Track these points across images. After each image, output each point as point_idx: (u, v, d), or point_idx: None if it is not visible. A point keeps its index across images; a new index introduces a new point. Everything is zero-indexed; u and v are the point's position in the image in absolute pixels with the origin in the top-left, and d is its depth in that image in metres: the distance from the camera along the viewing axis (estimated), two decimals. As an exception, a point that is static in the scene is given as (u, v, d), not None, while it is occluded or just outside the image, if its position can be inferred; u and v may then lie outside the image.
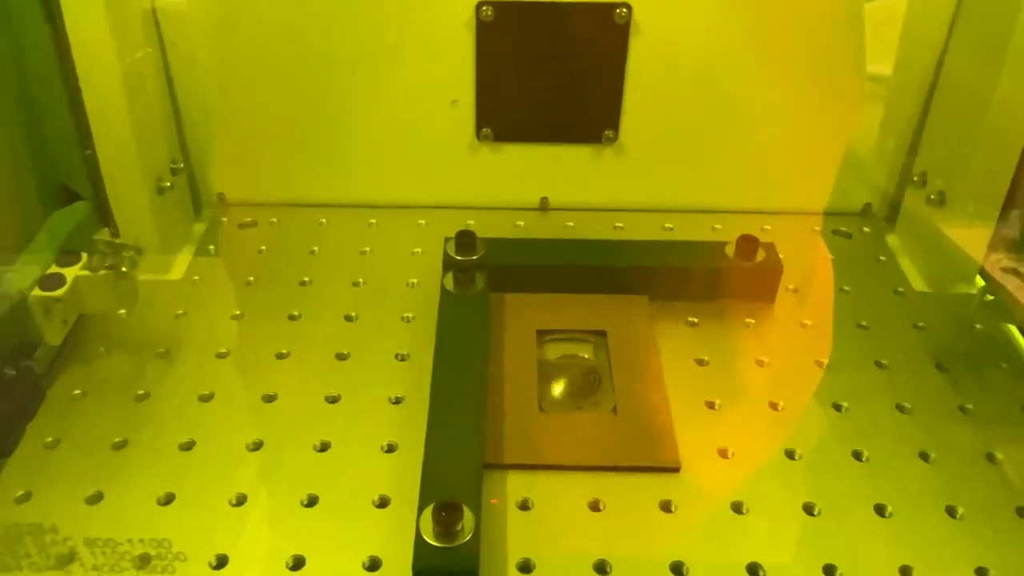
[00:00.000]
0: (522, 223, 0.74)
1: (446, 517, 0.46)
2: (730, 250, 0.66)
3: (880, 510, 0.52)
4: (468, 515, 0.47)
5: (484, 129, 0.74)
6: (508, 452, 0.53)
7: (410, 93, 0.72)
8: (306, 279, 0.69)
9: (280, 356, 0.62)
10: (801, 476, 0.53)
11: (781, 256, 0.66)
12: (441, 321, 0.59)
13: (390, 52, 0.70)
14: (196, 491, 0.52)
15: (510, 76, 0.72)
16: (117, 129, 0.64)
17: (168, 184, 0.70)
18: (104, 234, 0.59)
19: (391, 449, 0.55)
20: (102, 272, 0.56)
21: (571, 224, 0.75)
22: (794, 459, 0.54)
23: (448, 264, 0.64)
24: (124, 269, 0.57)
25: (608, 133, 0.73)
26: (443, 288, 0.62)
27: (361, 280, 0.69)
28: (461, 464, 0.50)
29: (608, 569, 0.48)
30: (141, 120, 0.66)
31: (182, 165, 0.72)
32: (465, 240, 0.65)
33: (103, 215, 0.63)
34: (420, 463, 0.50)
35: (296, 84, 0.71)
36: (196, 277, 0.69)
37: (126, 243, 0.58)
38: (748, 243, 0.65)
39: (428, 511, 0.47)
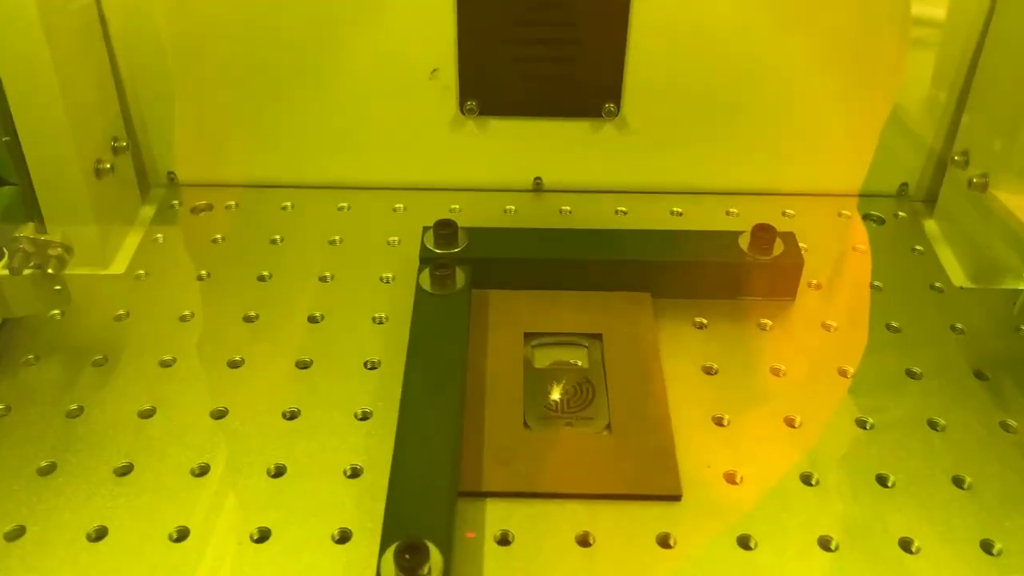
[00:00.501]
0: (513, 207, 0.74)
1: (410, 561, 0.44)
2: (744, 242, 0.64)
3: (907, 545, 0.50)
4: (436, 556, 0.45)
5: (468, 102, 0.71)
6: (487, 478, 0.52)
7: (386, 60, 0.70)
8: (266, 273, 0.67)
9: (234, 364, 0.60)
10: (820, 505, 0.51)
11: (803, 246, 0.65)
12: (415, 325, 0.58)
13: (365, 13, 0.67)
14: (132, 525, 0.49)
15: (496, 42, 0.68)
16: (43, 102, 0.59)
17: (108, 165, 0.66)
18: (28, 229, 0.55)
19: (355, 474, 0.53)
20: (26, 272, 0.52)
21: (567, 208, 0.74)
22: (812, 485, 0.53)
23: (425, 258, 0.62)
24: (50, 271, 0.53)
25: (609, 106, 0.71)
26: (418, 287, 0.60)
27: (329, 274, 0.67)
28: (431, 494, 0.48)
29: (597, 614, 0.47)
30: (74, 91, 0.61)
31: (125, 143, 0.69)
32: (444, 231, 0.63)
33: (31, 204, 0.58)
34: (384, 492, 0.48)
35: (259, 48, 0.68)
36: (141, 271, 0.67)
37: (52, 239, 0.54)
38: (764, 234, 0.63)
39: (390, 553, 0.45)
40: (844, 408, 0.57)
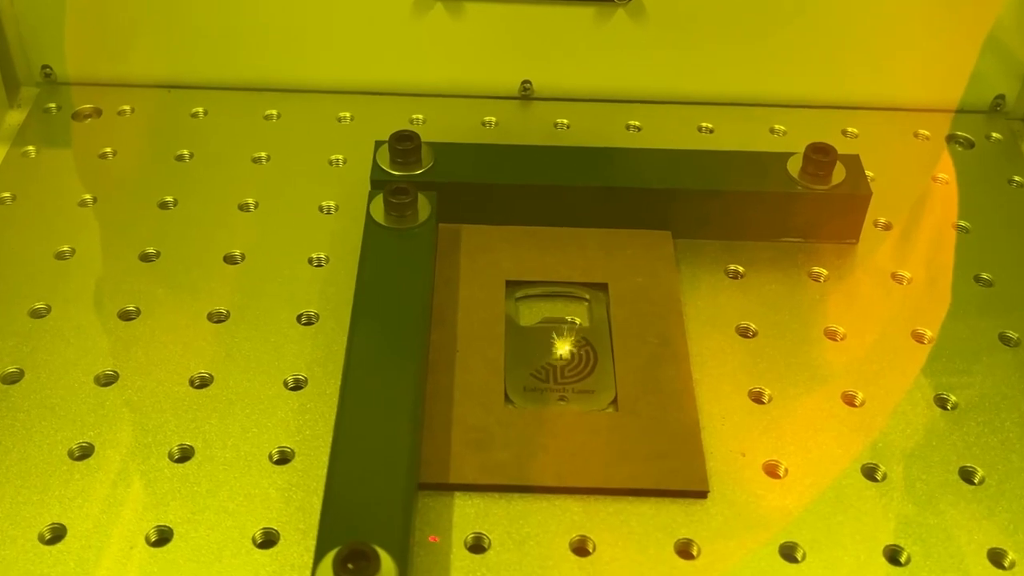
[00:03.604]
0: (493, 119, 0.74)
1: (355, 571, 0.44)
2: (794, 166, 0.64)
3: (998, 558, 0.50)
4: (388, 565, 0.45)
5: (437, -22, 0.72)
6: (457, 467, 0.52)
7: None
8: (170, 199, 0.67)
9: (126, 316, 0.60)
10: (887, 506, 0.52)
11: (869, 174, 0.65)
12: (364, 269, 0.58)
13: None
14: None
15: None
16: None
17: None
18: None
19: (284, 459, 0.53)
20: None
21: (564, 122, 0.74)
22: (877, 480, 0.53)
23: (378, 182, 0.62)
24: None
25: (620, -14, 0.72)
26: (369, 218, 0.60)
27: (252, 202, 0.67)
28: (382, 485, 0.48)
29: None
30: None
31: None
32: (404, 147, 0.63)
33: None
34: (322, 482, 0.49)
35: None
36: (5, 194, 0.66)
37: None
38: (820, 157, 0.63)
39: (328, 560, 0.45)
40: (919, 383, 0.57)
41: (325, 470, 0.49)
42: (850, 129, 0.73)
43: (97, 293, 0.60)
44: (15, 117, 0.72)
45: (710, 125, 0.74)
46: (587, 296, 0.61)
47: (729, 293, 0.62)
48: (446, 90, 0.74)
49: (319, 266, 0.63)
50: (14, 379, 0.56)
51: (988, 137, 0.74)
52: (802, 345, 0.59)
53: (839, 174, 0.64)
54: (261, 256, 0.63)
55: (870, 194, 0.64)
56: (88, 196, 0.66)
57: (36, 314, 0.59)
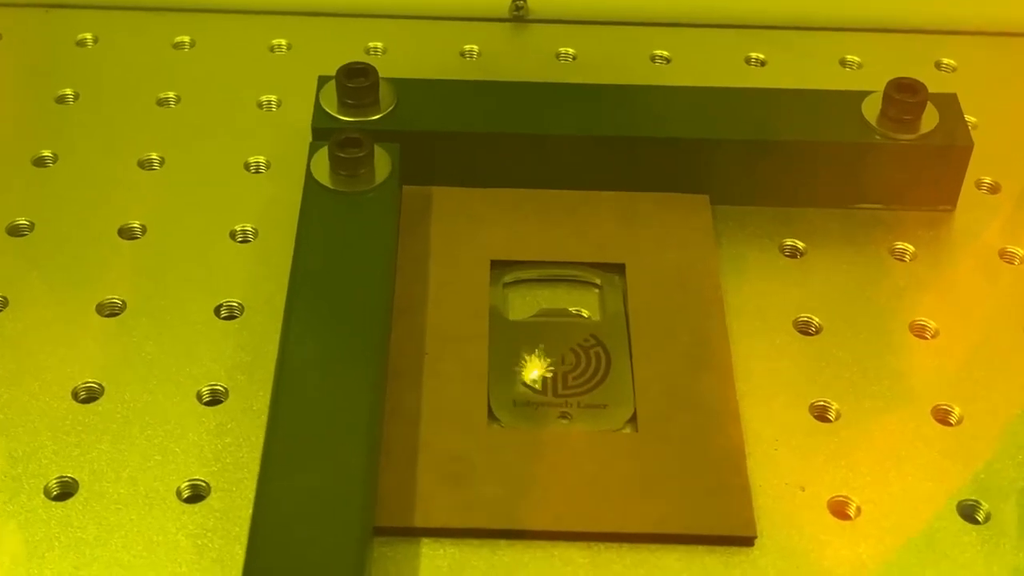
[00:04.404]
0: (475, 47, 0.75)
1: None
2: (871, 109, 0.64)
3: None
4: None
5: None
6: (426, 506, 0.52)
7: None
8: (48, 153, 0.67)
9: None
10: (990, 554, 0.52)
11: (971, 120, 0.66)
12: (304, 245, 0.58)
13: None
14: None
15: None
16: None
17: None
18: None
19: (196, 496, 0.53)
20: None
21: (569, 52, 0.75)
22: (978, 522, 0.53)
23: (323, 130, 0.63)
24: None
25: None
26: (310, 179, 0.60)
27: (156, 156, 0.68)
28: (326, 530, 0.48)
29: None
30: None
31: None
32: (356, 83, 0.63)
33: None
34: (246, 526, 0.48)
35: None
36: None
37: None
38: (906, 97, 0.64)
39: None
40: (1036, 394, 0.58)
41: (250, 511, 0.49)
42: (945, 61, 0.74)
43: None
44: None
45: (760, 55, 0.74)
46: (598, 281, 0.61)
47: (785, 276, 0.62)
48: (413, 9, 0.75)
49: (244, 241, 0.63)
50: None
51: (1126, 72, 0.75)
52: (881, 345, 0.59)
53: (930, 120, 0.64)
54: (168, 228, 0.63)
55: (971, 146, 0.64)
56: (-62, 150, 0.66)
57: None
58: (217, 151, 0.67)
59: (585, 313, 0.60)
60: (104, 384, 0.56)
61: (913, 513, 0.53)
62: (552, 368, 0.58)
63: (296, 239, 0.58)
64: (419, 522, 0.51)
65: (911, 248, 0.64)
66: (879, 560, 0.51)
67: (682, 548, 0.51)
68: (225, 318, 0.60)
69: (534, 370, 0.57)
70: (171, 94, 0.70)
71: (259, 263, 0.62)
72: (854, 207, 0.65)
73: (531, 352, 0.58)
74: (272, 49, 0.73)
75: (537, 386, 0.57)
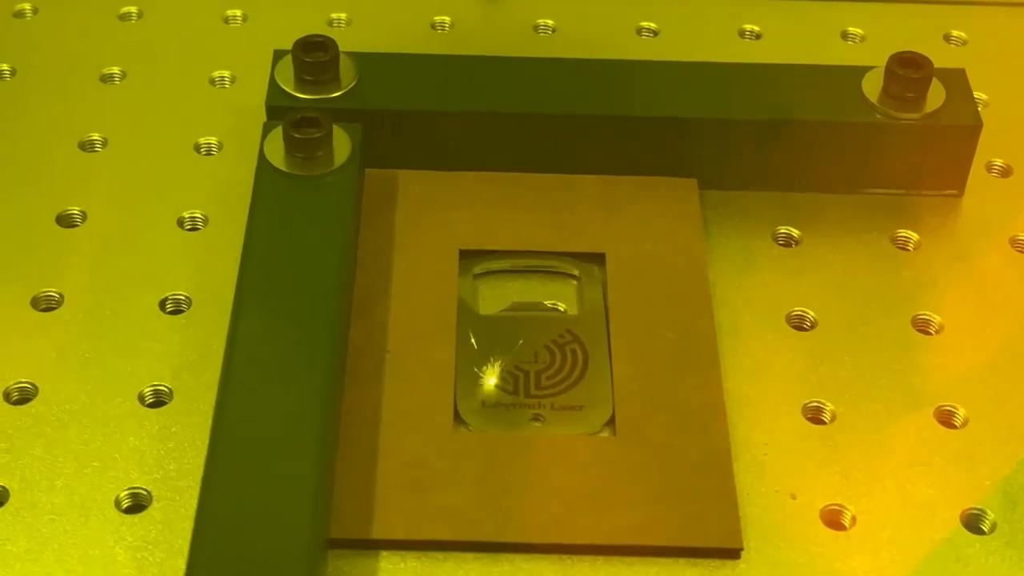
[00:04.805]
0: (447, 19, 0.75)
1: None
2: (872, 86, 0.65)
3: None
4: None
5: None
6: (385, 517, 0.52)
7: None
8: None
9: None
10: (994, 567, 0.52)
11: (980, 97, 0.67)
12: (256, 233, 0.58)
13: None
14: None
15: None
16: None
17: None
18: None
19: (137, 507, 0.53)
20: None
21: (548, 24, 0.75)
22: (984, 532, 0.53)
23: (278, 109, 0.63)
24: None
25: None
26: (264, 161, 0.61)
27: (98, 137, 0.68)
28: (275, 542, 0.48)
29: None
30: None
31: None
32: (314, 57, 0.64)
33: None
34: (188, 538, 0.48)
35: None
36: None
37: None
38: (911, 71, 0.64)
39: None
40: (1049, 395, 0.58)
41: (192, 522, 0.49)
42: (955, 33, 0.74)
43: None
44: None
45: (755, 28, 0.74)
46: (576, 272, 0.61)
47: (778, 267, 0.63)
48: (378, -20, 0.75)
49: (193, 229, 0.63)
50: None
51: None
52: (881, 341, 0.59)
53: (937, 97, 0.64)
54: (110, 215, 0.63)
55: (980, 125, 0.64)
56: None
57: None
58: (165, 131, 0.67)
59: (561, 307, 0.60)
60: (38, 384, 0.56)
61: (913, 523, 0.53)
62: (524, 366, 0.57)
63: (247, 227, 0.58)
64: (378, 534, 0.51)
65: (915, 236, 0.64)
66: (876, 574, 0.51)
67: (662, 561, 0.51)
68: (171, 312, 0.60)
69: (504, 369, 0.57)
70: (116, 69, 0.70)
71: (208, 253, 0.62)
72: (854, 192, 0.65)
73: (502, 349, 0.58)
74: (226, 20, 0.73)
75: (508, 386, 0.57)
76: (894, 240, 0.64)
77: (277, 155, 0.60)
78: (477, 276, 0.61)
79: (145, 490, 0.53)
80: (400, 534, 0.51)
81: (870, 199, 0.65)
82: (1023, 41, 0.74)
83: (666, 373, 0.57)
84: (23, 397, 0.56)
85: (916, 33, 0.72)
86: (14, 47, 0.72)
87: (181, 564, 0.49)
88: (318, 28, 0.69)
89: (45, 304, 0.59)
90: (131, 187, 0.65)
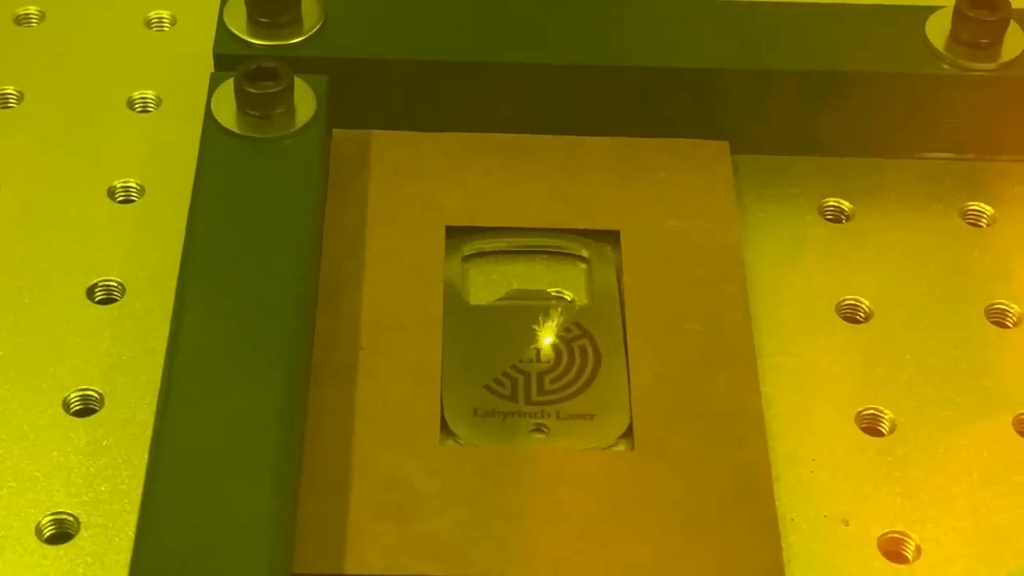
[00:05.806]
0: None
1: None
2: (939, 28, 0.65)
3: None
4: None
5: None
6: (357, 546, 0.52)
7: None
8: None
9: None
10: None
11: None
12: (202, 205, 0.59)
13: None
14: None
15: None
16: None
17: None
18: None
19: (62, 535, 0.53)
20: None
21: None
22: None
23: (228, 57, 0.64)
24: None
25: None
26: (211, 119, 0.61)
27: (12, 91, 0.69)
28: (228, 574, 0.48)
29: None
30: None
31: None
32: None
33: None
34: (125, 571, 0.48)
35: None
36: None
37: None
38: (985, 12, 0.65)
39: None
40: None
41: (129, 552, 0.48)
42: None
43: None
44: None
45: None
46: (585, 253, 0.62)
47: (827, 247, 0.63)
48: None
49: (126, 201, 0.64)
50: None
51: None
52: (949, 336, 0.60)
53: (1015, 44, 0.65)
54: (27, 185, 0.65)
55: (1070, 79, 0.65)
56: None
57: None
58: (92, 83, 0.68)
59: (568, 295, 0.61)
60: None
61: (990, 555, 0.53)
62: (524, 367, 0.58)
63: (192, 198, 0.58)
64: (350, 568, 0.51)
65: (989, 210, 0.65)
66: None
67: (692, 599, 0.52)
68: (100, 302, 0.60)
69: (500, 370, 0.58)
70: (32, 9, 0.71)
71: (144, 230, 0.62)
72: (916, 157, 0.66)
73: (497, 347, 0.58)
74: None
75: (504, 391, 0.57)
76: (964, 215, 0.64)
77: (227, 113, 0.61)
78: (467, 258, 0.62)
79: (72, 515, 0.53)
80: (377, 568, 0.51)
81: (935, 165, 0.66)
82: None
83: (693, 375, 0.57)
84: (-76, 407, 0.56)
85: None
86: None
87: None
88: (273, -38, 0.69)
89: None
90: (52, 151, 0.65)
